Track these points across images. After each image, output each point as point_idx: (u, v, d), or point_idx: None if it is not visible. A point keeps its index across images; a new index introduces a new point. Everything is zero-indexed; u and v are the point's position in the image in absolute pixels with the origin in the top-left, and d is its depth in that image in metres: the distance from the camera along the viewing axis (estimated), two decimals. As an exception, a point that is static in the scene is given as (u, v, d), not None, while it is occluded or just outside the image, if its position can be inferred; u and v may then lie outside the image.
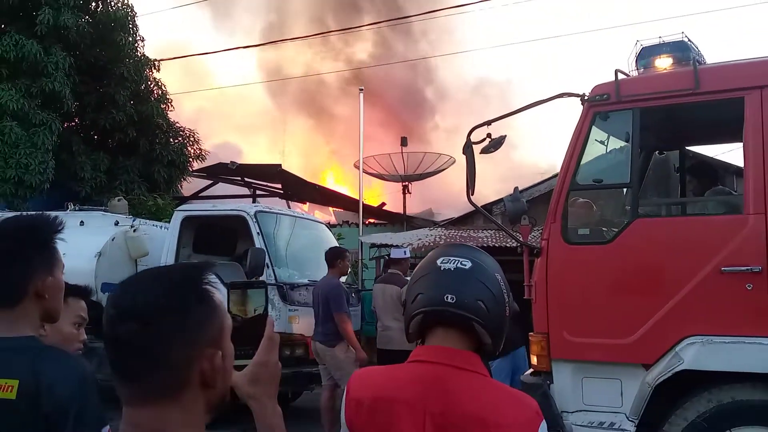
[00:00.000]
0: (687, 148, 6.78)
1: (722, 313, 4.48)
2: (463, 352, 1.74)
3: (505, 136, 4.92)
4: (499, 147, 4.91)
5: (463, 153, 4.93)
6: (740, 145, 4.75)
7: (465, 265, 1.76)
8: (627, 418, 4.70)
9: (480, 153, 4.94)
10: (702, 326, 4.50)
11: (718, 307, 4.49)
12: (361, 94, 13.96)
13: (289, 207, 16.44)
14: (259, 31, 37.70)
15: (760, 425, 4.33)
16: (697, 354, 4.47)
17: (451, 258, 1.79)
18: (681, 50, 5.05)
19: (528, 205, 5.22)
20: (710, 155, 9.33)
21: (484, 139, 4.95)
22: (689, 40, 5.12)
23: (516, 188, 5.20)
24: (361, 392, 1.78)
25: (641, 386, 4.63)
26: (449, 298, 1.72)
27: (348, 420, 1.78)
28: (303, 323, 8.77)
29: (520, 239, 5.15)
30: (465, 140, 4.92)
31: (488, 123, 5.01)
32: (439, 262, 1.79)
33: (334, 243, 10.70)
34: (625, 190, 5.25)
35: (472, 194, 5.01)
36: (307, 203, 21.07)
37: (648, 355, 4.66)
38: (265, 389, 1.43)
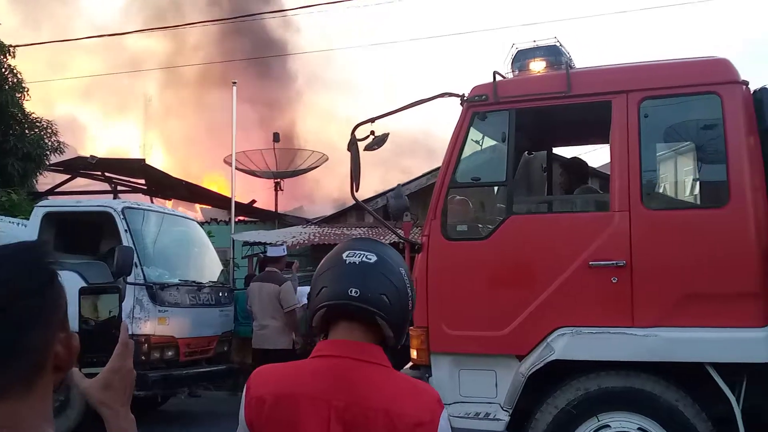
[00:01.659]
0: (554, 148, 7.11)
1: (590, 305, 4.72)
2: (366, 345, 1.73)
3: (388, 133, 4.96)
4: (383, 144, 4.95)
5: (348, 150, 4.93)
6: (602, 146, 5.03)
7: (370, 259, 1.76)
8: (501, 407, 4.86)
9: (364, 150, 4.96)
10: (572, 318, 4.73)
11: (587, 300, 4.73)
12: (234, 88, 13.66)
13: (152, 203, 15.79)
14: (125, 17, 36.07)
15: (623, 410, 4.60)
16: (567, 344, 4.69)
17: (357, 252, 1.78)
18: (553, 54, 5.29)
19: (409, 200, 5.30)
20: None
21: (368, 136, 4.97)
22: (561, 44, 5.37)
23: (399, 185, 5.27)
24: (262, 390, 1.73)
25: (515, 377, 4.81)
26: (353, 291, 1.71)
27: (248, 419, 1.73)
28: (173, 325, 8.46)
29: (402, 235, 5.21)
30: (350, 137, 4.93)
31: (372, 120, 5.04)
32: (344, 255, 1.78)
33: (206, 241, 10.40)
34: (499, 188, 5.43)
35: (357, 190, 5.02)
36: (172, 200, 20.32)
37: (521, 347, 4.83)
38: (118, 396, 1.36)
